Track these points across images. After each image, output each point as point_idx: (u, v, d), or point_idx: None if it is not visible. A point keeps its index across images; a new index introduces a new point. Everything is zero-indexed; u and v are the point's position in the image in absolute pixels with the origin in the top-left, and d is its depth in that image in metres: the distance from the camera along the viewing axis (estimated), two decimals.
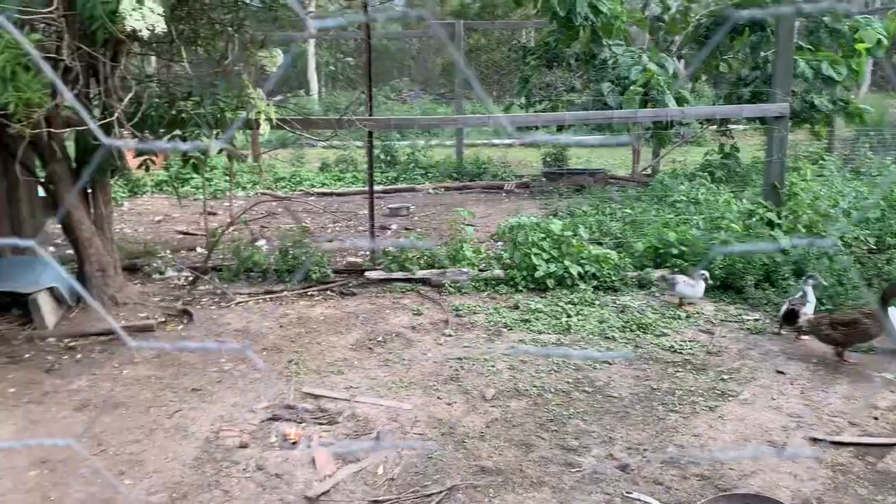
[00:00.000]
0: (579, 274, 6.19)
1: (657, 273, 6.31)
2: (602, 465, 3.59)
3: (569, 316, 5.59)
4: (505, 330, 5.39)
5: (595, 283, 6.23)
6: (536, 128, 9.02)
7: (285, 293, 6.28)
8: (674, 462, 3.62)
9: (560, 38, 9.86)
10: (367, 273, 6.58)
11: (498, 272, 6.34)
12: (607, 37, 9.52)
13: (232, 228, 7.42)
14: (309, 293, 6.31)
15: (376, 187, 7.83)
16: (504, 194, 10.95)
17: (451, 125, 11.01)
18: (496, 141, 15.77)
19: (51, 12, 3.42)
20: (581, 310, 5.73)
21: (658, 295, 6.13)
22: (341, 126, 6.38)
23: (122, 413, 4.15)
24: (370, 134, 6.75)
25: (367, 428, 3.96)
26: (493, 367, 4.74)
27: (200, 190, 10.74)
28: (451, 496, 3.34)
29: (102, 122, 4.21)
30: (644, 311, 5.75)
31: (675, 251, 6.47)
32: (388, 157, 12.74)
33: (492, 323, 5.52)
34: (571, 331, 5.33)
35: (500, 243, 7.49)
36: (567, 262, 6.18)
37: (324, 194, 11.07)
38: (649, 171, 11.68)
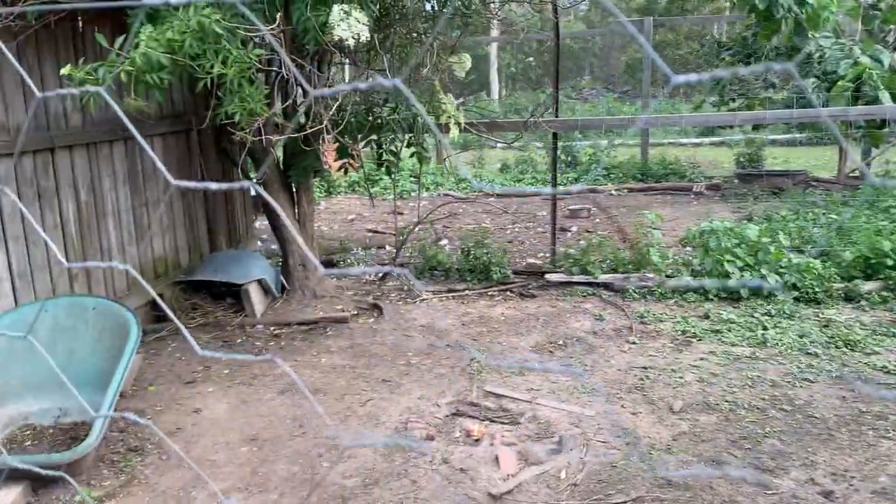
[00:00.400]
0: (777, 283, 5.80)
1: (867, 285, 5.77)
2: (802, 490, 3.36)
3: (765, 328, 5.26)
4: (694, 340, 5.17)
5: (795, 293, 5.82)
6: (731, 127, 8.56)
7: (467, 292, 6.44)
8: (887, 494, 3.30)
9: (759, 32, 9.27)
10: (547, 275, 6.59)
11: (687, 279, 6.10)
12: (813, 29, 8.82)
13: (418, 228, 7.72)
14: (489, 293, 6.42)
15: (557, 188, 7.80)
16: (693, 196, 10.50)
17: (640, 125, 10.70)
18: (684, 140, 15.14)
19: (272, 29, 3.77)
20: (779, 322, 5.38)
21: (868, 309, 5.61)
22: (527, 128, 6.43)
23: (320, 399, 4.46)
24: (555, 135, 6.74)
25: (548, 431, 3.97)
26: (680, 378, 4.57)
27: (389, 190, 11.28)
28: None
29: (313, 129, 4.55)
30: (852, 326, 5.29)
31: (890, 262, 5.88)
32: (569, 158, 12.65)
33: (679, 332, 5.32)
34: (767, 344, 5.02)
35: (688, 248, 7.20)
36: (764, 271, 5.82)
37: (503, 195, 11.20)
38: (858, 173, 10.69)
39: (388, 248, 8.05)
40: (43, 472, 2.23)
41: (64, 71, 3.80)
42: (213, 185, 0.74)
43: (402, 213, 9.75)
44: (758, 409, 4.16)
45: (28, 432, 3.99)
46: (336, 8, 3.63)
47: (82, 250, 5.09)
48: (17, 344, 4.11)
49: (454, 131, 5.24)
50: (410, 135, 5.75)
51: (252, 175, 6.16)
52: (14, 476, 3.38)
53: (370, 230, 9.16)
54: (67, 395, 4.16)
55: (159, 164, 0.75)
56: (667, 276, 6.20)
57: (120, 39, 3.73)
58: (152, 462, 3.77)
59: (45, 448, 3.84)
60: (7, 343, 4.06)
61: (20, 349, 4.12)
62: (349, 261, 7.26)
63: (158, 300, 1.20)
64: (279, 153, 6.36)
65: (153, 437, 4.01)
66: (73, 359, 4.20)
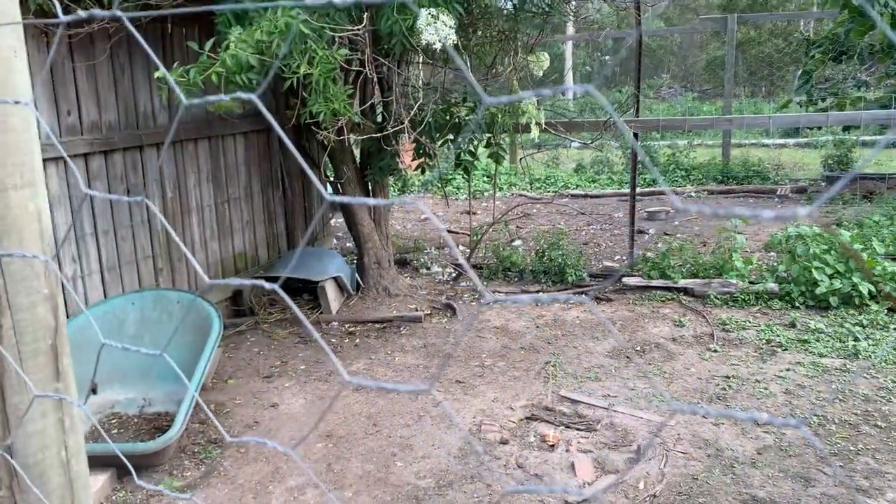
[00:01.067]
0: (870, 293, 5.53)
1: None
2: None
3: (856, 339, 5.01)
4: (779, 349, 4.97)
5: (890, 304, 5.52)
6: (819, 128, 8.20)
7: (541, 294, 6.36)
8: None
9: (852, 29, 8.85)
10: (624, 279, 6.45)
11: (771, 285, 5.87)
12: None
13: (492, 228, 7.69)
14: (552, 301, 6.32)
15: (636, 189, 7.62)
16: (777, 200, 10.12)
17: (724, 126, 10.40)
18: (767, 141, 14.62)
19: (357, 30, 3.80)
20: (871, 333, 5.11)
21: None
22: (607, 128, 6.31)
23: (394, 398, 4.48)
24: (635, 136, 6.59)
25: (626, 439, 3.88)
26: (765, 388, 4.40)
27: (461, 190, 11.29)
28: None
29: (394, 129, 4.58)
30: None
31: None
32: (647, 158, 12.37)
33: (764, 340, 5.12)
34: (859, 356, 4.78)
35: (773, 254, 6.94)
36: (856, 279, 5.55)
37: (578, 196, 11.06)
38: None
39: (461, 247, 8.04)
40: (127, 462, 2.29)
41: (158, 74, 3.93)
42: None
43: (475, 213, 9.73)
44: (849, 424, 3.96)
45: (114, 420, 4.15)
46: (423, 13, 3.63)
47: (167, 244, 5.26)
48: (105, 333, 4.28)
49: (535, 131, 5.18)
50: (489, 135, 5.71)
51: (329, 174, 6.25)
52: (102, 462, 3.51)
53: (445, 230, 9.17)
54: (152, 385, 4.30)
55: (315, 181, 0.74)
56: (750, 283, 5.98)
57: (210, 42, 3.82)
58: (231, 455, 3.86)
59: (129, 437, 3.98)
60: (96, 333, 4.22)
61: (108, 338, 4.28)
62: (422, 260, 7.28)
63: (279, 292, 1.19)
64: (356, 153, 6.43)
65: (232, 430, 4.11)
66: (158, 350, 4.34)
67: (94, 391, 4.11)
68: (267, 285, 0.72)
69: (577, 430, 4.01)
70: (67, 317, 4.30)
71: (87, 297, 4.56)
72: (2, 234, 0.89)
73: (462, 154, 5.93)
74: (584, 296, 6.19)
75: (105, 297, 4.67)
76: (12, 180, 0.91)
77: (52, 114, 4.32)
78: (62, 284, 4.28)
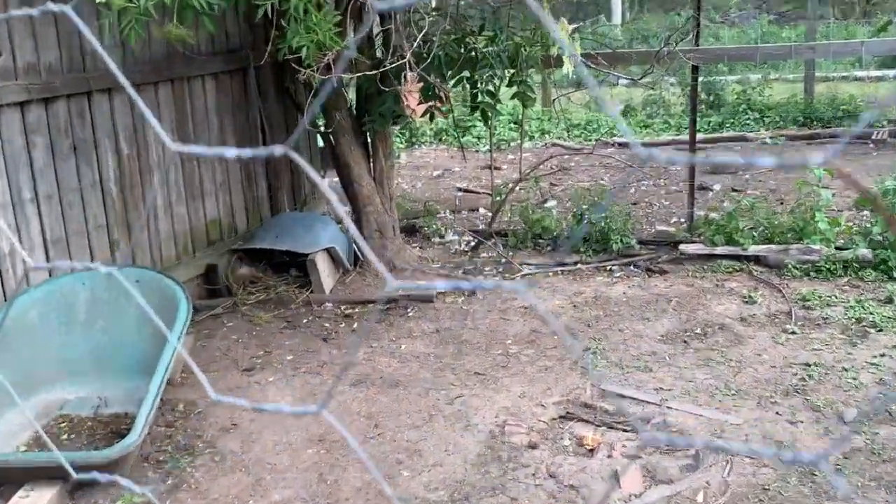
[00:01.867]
0: None
1: None
2: None
3: None
4: (872, 331, 4.91)
5: None
6: None
7: (580, 266, 6.32)
8: None
9: None
10: (682, 246, 6.38)
11: (863, 252, 5.77)
12: None
13: (519, 186, 7.63)
14: (608, 267, 6.28)
15: (697, 136, 7.52)
16: (872, 146, 9.94)
17: (806, 55, 10.16)
18: (860, 73, 14.34)
19: None
20: None
21: None
22: (659, 60, 6.20)
23: (400, 394, 4.48)
24: (695, 69, 6.48)
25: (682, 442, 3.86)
26: (854, 378, 4.35)
27: (483, 140, 11.20)
28: None
29: (393, 65, 4.52)
30: None
31: None
32: (712, 98, 12.21)
33: (853, 320, 5.06)
34: None
35: (866, 213, 6.83)
36: None
37: (626, 145, 10.94)
38: None
39: (482, 210, 8.00)
40: (77, 473, 2.29)
41: None
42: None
43: (499, 168, 9.66)
44: None
45: (64, 424, 4.19)
46: None
47: (124, 212, 5.26)
48: (52, 321, 4.31)
49: (567, 65, 5.09)
50: (512, 70, 5.62)
51: (319, 122, 6.20)
52: (48, 475, 3.54)
53: (461, 189, 9.13)
54: (108, 381, 4.33)
55: (158, 130, 0.70)
56: (837, 249, 5.89)
57: None
58: (203, 464, 3.88)
59: (82, 443, 4.01)
60: (40, 320, 4.25)
61: (55, 327, 4.31)
62: (435, 226, 7.25)
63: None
64: (352, 96, 6.37)
65: (205, 434, 4.13)
66: (113, 340, 4.36)
67: None
68: (244, 270, 0.67)
69: (623, 430, 4.00)
70: (5, 299, 4.35)
71: (29, 275, 4.58)
72: None
73: (479, 95, 5.83)
74: (632, 267, 6.17)
75: (50, 275, 4.69)
76: None
77: None
78: None
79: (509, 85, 6.05)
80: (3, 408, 3.95)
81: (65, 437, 4.09)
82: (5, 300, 4.44)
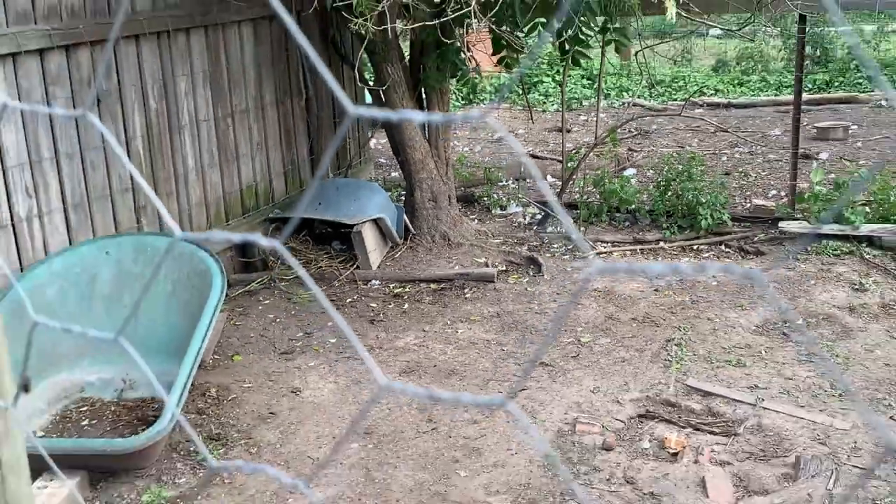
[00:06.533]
0: None
1: None
2: None
3: None
4: None
5: None
6: None
7: (662, 244, 6.28)
8: None
9: None
10: (782, 224, 6.30)
11: None
12: None
13: (593, 153, 7.58)
14: (696, 246, 6.23)
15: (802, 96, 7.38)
16: None
17: None
18: None
19: None
20: None
21: None
22: (760, 8, 6.09)
23: (456, 384, 4.51)
24: (802, 18, 6.35)
25: (780, 448, 3.84)
26: None
27: (552, 99, 11.13)
28: None
29: (456, 12, 4.49)
30: None
31: None
32: (818, 52, 11.96)
33: None
34: None
35: None
36: None
37: (718, 105, 10.78)
38: None
39: (550, 178, 7.97)
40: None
41: None
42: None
43: (570, 131, 9.60)
44: None
45: (85, 408, 4.30)
46: None
47: (152, 174, 5.35)
48: (72, 294, 4.40)
49: (671, 10, 5.03)
50: (605, 17, 5.56)
51: (369, 78, 6.22)
52: (69, 464, 3.63)
53: (529, 154, 9.10)
54: (133, 362, 4.42)
55: (334, 86, 0.71)
56: None
57: None
58: (238, 455, 3.96)
59: (105, 430, 4.11)
60: (58, 294, 4.35)
61: (75, 301, 4.41)
62: (495, 196, 7.25)
63: None
64: (405, 48, 6.37)
65: (240, 423, 4.21)
66: (140, 316, 4.45)
67: (26, 388, 4.25)
68: (263, 242, 0.68)
69: (711, 433, 3.98)
70: (21, 269, 4.45)
71: (47, 242, 4.69)
72: None
73: (566, 45, 5.75)
74: (723, 247, 6.09)
75: (70, 243, 4.79)
76: None
77: None
78: (12, 228, 4.37)
79: (602, 31, 5.99)
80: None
81: (86, 422, 4.19)
82: (22, 269, 4.54)
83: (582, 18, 5.11)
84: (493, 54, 5.53)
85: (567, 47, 5.80)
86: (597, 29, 5.89)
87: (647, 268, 0.66)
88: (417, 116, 0.65)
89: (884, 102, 10.17)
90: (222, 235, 0.67)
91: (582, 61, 6.22)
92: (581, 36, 5.69)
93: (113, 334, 0.88)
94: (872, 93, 10.62)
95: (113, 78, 5.07)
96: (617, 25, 5.76)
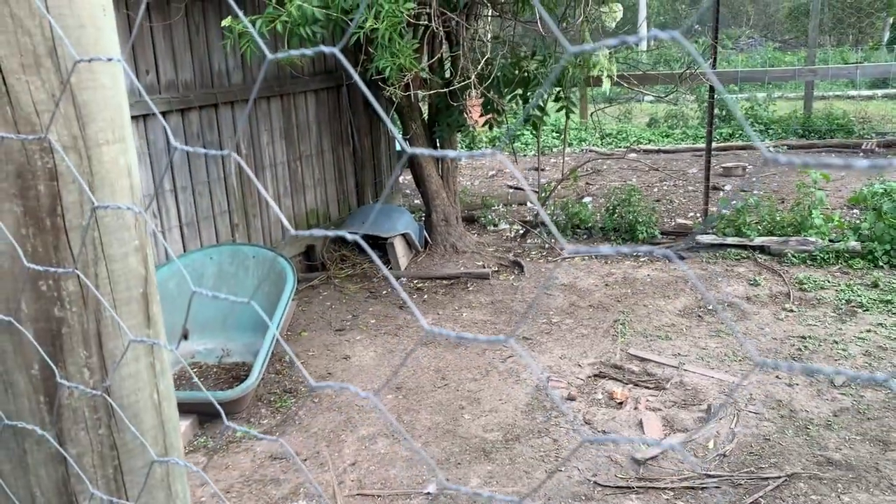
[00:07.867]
0: None
1: None
2: None
3: None
4: (860, 310, 4.80)
5: None
6: None
7: (620, 246, 6.29)
8: None
9: None
10: (698, 237, 6.30)
11: (853, 244, 5.64)
12: None
13: (560, 185, 7.60)
14: (635, 253, 6.24)
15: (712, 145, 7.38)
16: (862, 155, 9.65)
17: (807, 77, 9.89)
18: (853, 92, 13.90)
19: None
20: None
21: None
22: (681, 81, 6.11)
23: (462, 353, 4.54)
24: (711, 89, 6.37)
25: (696, 398, 3.84)
26: (843, 350, 4.27)
27: (530, 146, 11.16)
28: (790, 484, 3.12)
29: (460, 84, 4.55)
30: None
31: None
32: (724, 112, 11.96)
33: (843, 301, 4.96)
34: None
35: (856, 211, 6.65)
36: None
37: (651, 151, 10.79)
38: None
39: (529, 204, 7.99)
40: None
41: (224, 22, 4.00)
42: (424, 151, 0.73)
43: (543, 170, 9.62)
44: None
45: (195, 369, 4.34)
46: None
47: (243, 200, 5.40)
48: (185, 287, 4.45)
49: (606, 84, 5.06)
50: (558, 88, 5.61)
51: (397, 131, 6.26)
52: (183, 409, 3.68)
53: (511, 186, 9.13)
54: (230, 336, 4.47)
55: (395, 133, 0.75)
56: (830, 241, 5.77)
57: None
58: (305, 404, 4.00)
59: (210, 385, 4.16)
60: (177, 286, 4.40)
61: (188, 292, 4.45)
62: (490, 217, 7.28)
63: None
64: (424, 109, 6.42)
65: (306, 381, 4.24)
66: (235, 304, 4.50)
67: (185, 337, 4.30)
68: (349, 236, 0.74)
69: (646, 388, 3.99)
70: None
71: (168, 250, 4.74)
72: (95, 188, 0.94)
73: (531, 110, 5.84)
74: (664, 249, 6.10)
75: (184, 251, 4.84)
76: (104, 136, 0.95)
77: (132, 73, 4.44)
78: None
79: (556, 100, 6.03)
80: None
81: (196, 380, 4.23)
82: None
83: (544, 90, 5.15)
84: (482, 116, 5.55)
85: (530, 112, 5.82)
86: (552, 98, 5.90)
87: (599, 250, 0.70)
88: (450, 153, 0.69)
89: (771, 149, 10.16)
90: (322, 232, 0.72)
91: (545, 118, 6.22)
92: (541, 103, 5.73)
93: (246, 299, 0.92)
94: (764, 142, 10.61)
95: (215, 132, 5.13)
96: (568, 95, 5.75)
